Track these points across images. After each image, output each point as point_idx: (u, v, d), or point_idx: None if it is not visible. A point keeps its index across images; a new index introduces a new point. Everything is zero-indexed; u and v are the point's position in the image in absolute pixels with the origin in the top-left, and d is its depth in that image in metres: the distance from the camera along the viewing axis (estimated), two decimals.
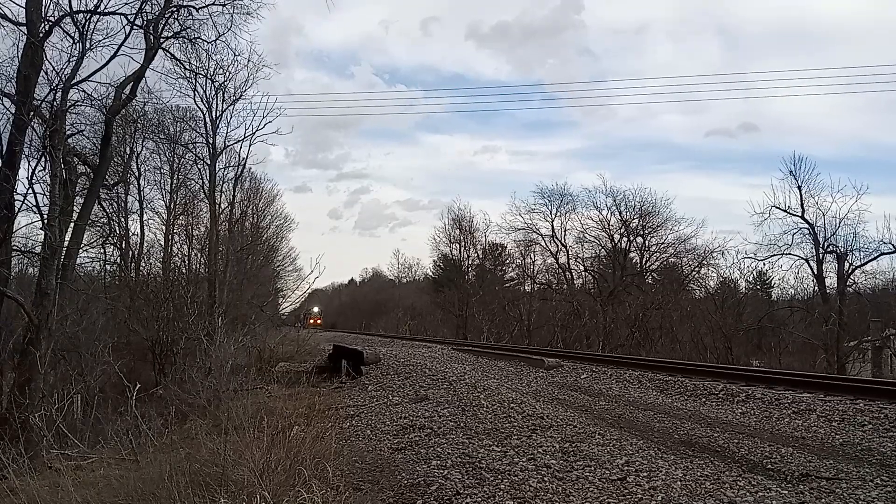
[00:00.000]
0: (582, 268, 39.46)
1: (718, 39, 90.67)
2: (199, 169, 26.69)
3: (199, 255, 28.66)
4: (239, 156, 26.30)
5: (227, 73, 22.88)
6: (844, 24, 77.99)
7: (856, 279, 24.62)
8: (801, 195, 25.64)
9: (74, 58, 14.14)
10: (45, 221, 13.69)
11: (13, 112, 13.66)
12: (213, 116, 24.43)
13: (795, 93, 67.76)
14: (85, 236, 17.65)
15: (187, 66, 18.27)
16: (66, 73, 14.07)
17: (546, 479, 5.06)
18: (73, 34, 14.17)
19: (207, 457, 5.17)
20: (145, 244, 29.15)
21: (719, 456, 5.89)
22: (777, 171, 34.55)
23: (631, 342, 29.77)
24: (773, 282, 30.39)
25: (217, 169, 25.34)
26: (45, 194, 13.94)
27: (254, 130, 24.50)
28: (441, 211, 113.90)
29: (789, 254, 26.08)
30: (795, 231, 25.81)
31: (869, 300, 24.67)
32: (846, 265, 24.55)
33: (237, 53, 24.87)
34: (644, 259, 37.84)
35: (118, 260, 27.85)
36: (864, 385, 9.86)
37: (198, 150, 26.38)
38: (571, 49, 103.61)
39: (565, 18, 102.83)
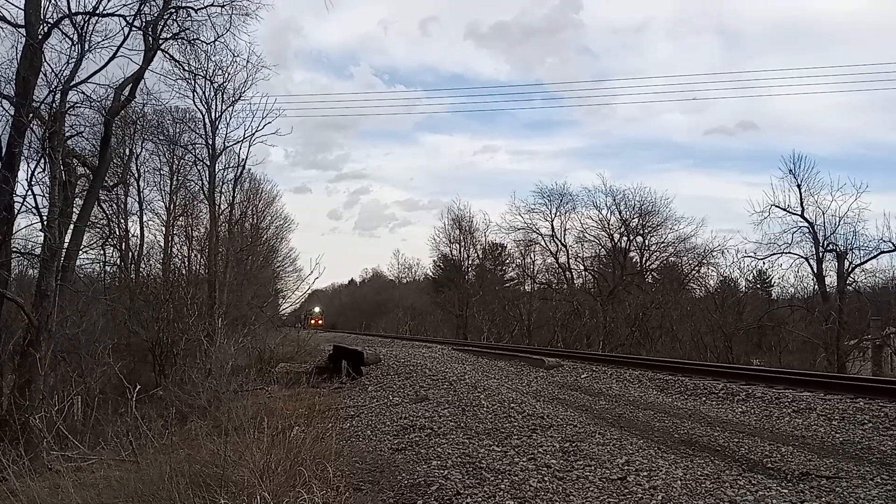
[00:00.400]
0: (582, 267, 39.55)
1: (718, 38, 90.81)
2: (199, 170, 26.75)
3: (198, 256, 28.69)
4: (238, 157, 26.36)
5: (227, 74, 22.89)
6: (844, 22, 78.14)
7: (856, 277, 24.67)
8: (800, 194, 25.70)
9: (73, 59, 14.15)
10: (45, 223, 13.69)
11: (12, 114, 13.65)
12: (213, 117, 24.46)
13: (795, 91, 67.78)
14: (85, 238, 17.66)
15: (186, 68, 18.32)
16: (65, 74, 14.09)
17: (546, 478, 5.06)
18: (71, 36, 14.18)
19: (208, 458, 5.16)
20: (145, 245, 29.20)
21: (719, 455, 5.89)
22: (777, 170, 34.66)
23: (631, 341, 29.77)
24: (772, 281, 30.45)
25: (217, 170, 25.38)
26: (44, 196, 13.96)
27: (253, 131, 24.56)
28: (441, 211, 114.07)
29: (789, 252, 26.14)
30: (795, 230, 25.88)
31: (869, 299, 24.67)
32: (846, 264, 24.57)
33: (236, 54, 24.93)
34: (644, 258, 37.91)
35: (118, 261, 27.88)
36: (864, 384, 9.86)
37: (197, 151, 26.45)
38: (571, 48, 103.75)
39: (564, 18, 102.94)
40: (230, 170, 26.56)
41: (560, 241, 39.07)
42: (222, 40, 17.13)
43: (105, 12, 14.40)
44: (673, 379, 11.50)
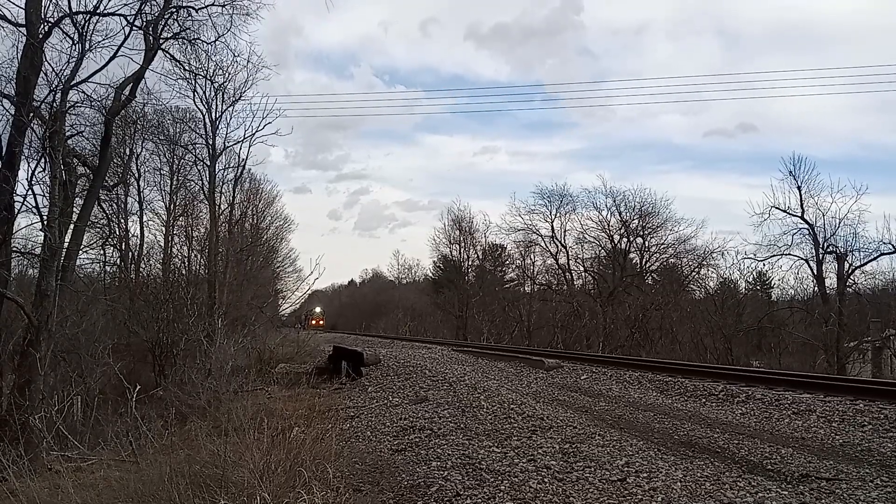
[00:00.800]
0: (582, 268, 39.50)
1: (718, 40, 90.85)
2: (199, 170, 26.77)
3: (198, 256, 28.69)
4: (238, 157, 26.40)
5: (227, 74, 22.89)
6: (844, 24, 78.14)
7: (855, 279, 24.64)
8: (800, 195, 25.66)
9: (74, 59, 14.15)
10: (45, 223, 13.69)
11: (13, 113, 13.67)
12: (213, 117, 24.50)
13: (795, 93, 67.80)
14: (85, 237, 17.65)
15: (187, 67, 18.30)
16: (65, 74, 14.09)
17: (546, 480, 5.06)
18: (72, 35, 14.18)
19: (207, 458, 5.16)
20: (145, 245, 29.19)
21: (719, 457, 5.89)
22: (777, 172, 34.48)
23: (631, 343, 29.77)
24: (772, 282, 30.45)
25: (217, 170, 25.42)
26: (44, 195, 13.96)
27: (253, 131, 24.60)
28: (441, 212, 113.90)
29: (789, 254, 26.10)
30: (795, 231, 25.84)
31: (869, 300, 24.66)
32: (846, 265, 24.55)
33: (237, 54, 25.02)
34: (644, 259, 37.87)
35: (118, 261, 27.87)
36: (864, 386, 9.86)
37: (197, 151, 26.47)
38: (571, 49, 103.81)
39: (564, 19, 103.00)
40: (230, 170, 26.64)
41: (560, 243, 39.10)
42: (223, 40, 17.13)
43: (106, 12, 14.41)
44: (673, 380, 11.49)
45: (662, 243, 37.04)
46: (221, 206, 26.57)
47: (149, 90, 19.22)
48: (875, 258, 24.29)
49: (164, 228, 29.58)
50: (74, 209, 15.49)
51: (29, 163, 14.62)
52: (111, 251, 26.87)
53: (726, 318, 26.86)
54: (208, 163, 25.19)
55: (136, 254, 28.41)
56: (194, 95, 23.82)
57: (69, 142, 14.97)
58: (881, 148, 72.67)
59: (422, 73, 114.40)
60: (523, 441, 6.45)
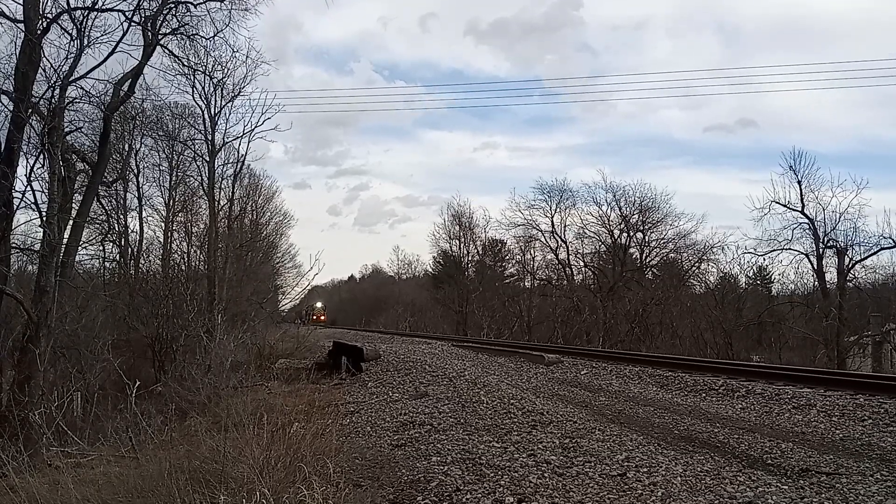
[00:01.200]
0: (582, 263, 39.47)
1: (717, 35, 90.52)
2: (198, 166, 26.75)
3: (198, 251, 28.69)
4: (238, 152, 26.40)
5: (226, 70, 22.89)
6: (844, 19, 77.90)
7: (856, 274, 24.64)
8: (801, 190, 25.63)
9: (72, 55, 14.15)
10: (44, 219, 13.70)
11: (11, 109, 13.65)
12: (212, 113, 24.47)
13: (795, 88, 67.68)
14: (84, 233, 17.69)
15: (186, 63, 18.31)
16: (64, 70, 14.08)
17: (546, 474, 5.06)
18: (70, 31, 14.18)
19: (207, 454, 5.16)
20: (144, 241, 29.20)
21: (719, 451, 5.89)
22: (777, 167, 34.46)
23: (631, 338, 29.76)
24: (773, 277, 30.43)
25: (216, 165, 25.40)
26: (43, 191, 13.97)
27: (253, 127, 24.57)
28: (441, 207, 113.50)
29: (789, 249, 26.09)
30: (795, 226, 25.82)
31: (869, 295, 24.67)
32: (846, 260, 24.54)
33: (236, 50, 24.76)
34: (644, 254, 37.83)
35: (117, 257, 27.85)
36: (865, 380, 9.86)
37: (197, 146, 26.42)
38: (570, 45, 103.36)
39: (564, 15, 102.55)
40: (230, 165, 26.63)
41: (560, 238, 39.06)
42: (222, 36, 17.14)
43: (104, 7, 14.41)
44: (673, 375, 11.49)
45: (662, 238, 37.04)
46: (221, 201, 26.58)
47: (148, 86, 19.30)
48: (875, 253, 24.30)
49: (163, 224, 29.62)
50: (73, 205, 15.50)
51: (28, 159, 14.65)
52: (110, 247, 26.88)
53: (726, 312, 26.86)
54: (207, 158, 25.18)
55: (135, 250, 28.42)
56: (193, 91, 23.81)
57: (68, 138, 14.95)
58: (881, 143, 72.45)
59: (421, 68, 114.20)
60: (523, 436, 6.45)
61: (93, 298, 18.14)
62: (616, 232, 37.28)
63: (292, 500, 4.22)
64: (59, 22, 14.02)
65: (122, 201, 27.42)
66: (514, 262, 47.29)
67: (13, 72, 13.70)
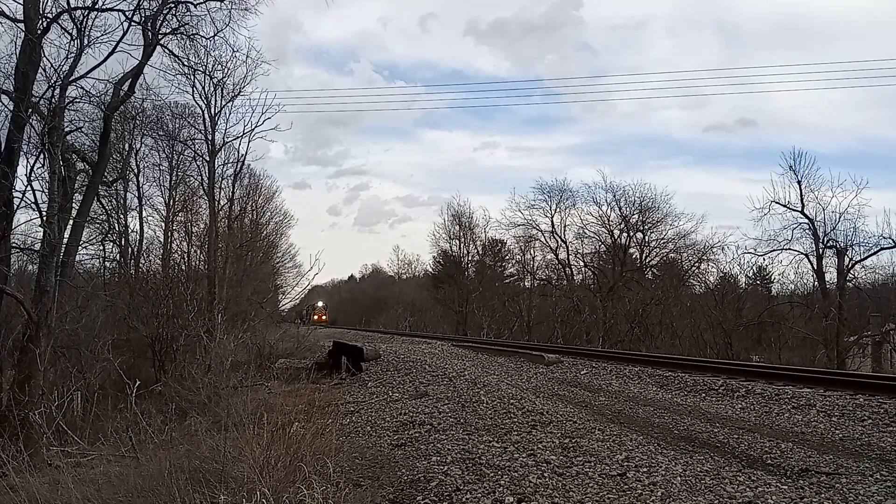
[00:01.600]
0: (582, 263, 39.45)
1: (717, 35, 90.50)
2: (198, 165, 26.72)
3: (198, 251, 28.69)
4: (238, 152, 26.36)
5: (226, 70, 22.89)
6: (844, 19, 77.89)
7: (856, 274, 24.63)
8: (800, 190, 25.61)
9: (72, 54, 14.13)
10: (44, 218, 13.69)
11: (11, 109, 13.64)
12: (212, 113, 24.42)
13: (794, 88, 67.66)
14: (84, 233, 17.65)
15: (186, 63, 18.28)
16: (64, 69, 14.06)
17: (546, 474, 5.06)
18: (70, 31, 14.16)
19: (207, 453, 5.16)
20: (144, 241, 29.16)
21: (719, 451, 5.89)
22: (776, 167, 34.36)
23: (631, 338, 29.75)
24: (772, 277, 30.38)
25: (216, 165, 25.34)
26: (43, 191, 13.95)
27: (253, 127, 24.52)
28: (441, 207, 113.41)
29: (789, 249, 26.07)
30: (795, 226, 25.80)
31: (869, 295, 24.66)
32: (846, 260, 24.53)
33: (236, 50, 24.79)
34: (644, 254, 37.83)
35: (117, 257, 27.83)
36: (864, 380, 9.86)
37: (197, 146, 26.39)
38: (570, 45, 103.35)
39: (564, 14, 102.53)
40: (230, 165, 26.59)
41: (560, 238, 39.06)
42: (222, 35, 17.11)
43: (104, 7, 14.38)
44: (672, 375, 11.50)
45: (662, 238, 37.03)
46: (221, 201, 26.55)
47: (148, 86, 19.25)
48: (875, 253, 24.28)
49: (163, 224, 29.59)
50: (74, 205, 15.48)
51: (28, 159, 14.63)
52: (111, 247, 26.85)
53: (726, 312, 26.85)
54: (207, 158, 25.14)
55: (135, 249, 28.40)
56: (193, 91, 23.77)
57: (68, 137, 14.94)
58: (881, 143, 72.42)
59: (421, 68, 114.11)
60: (523, 436, 6.45)
61: (93, 298, 18.13)
62: (616, 232, 37.31)
63: (292, 499, 4.23)
64: (60, 22, 14.02)
65: (122, 201, 27.43)
66: (513, 262, 47.35)
67: (13, 71, 13.69)
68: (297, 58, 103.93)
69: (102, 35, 14.64)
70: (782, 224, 26.16)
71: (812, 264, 25.58)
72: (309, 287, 28.38)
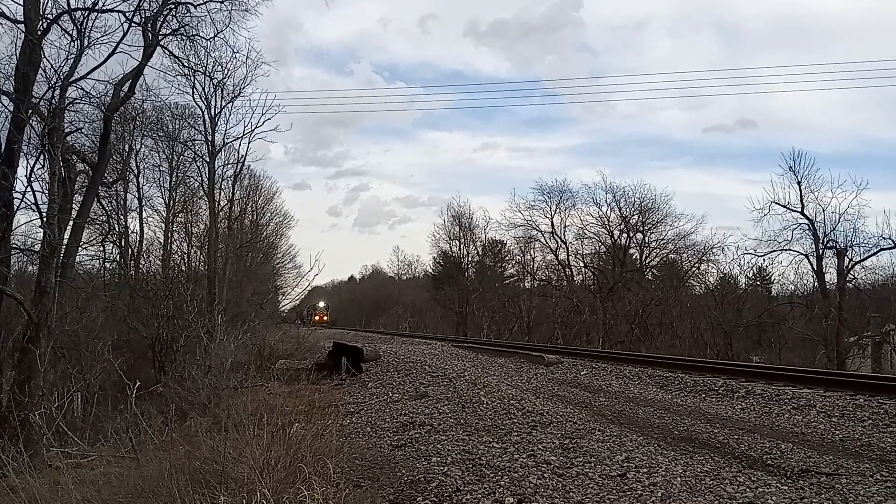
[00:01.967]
0: (582, 264, 39.44)
1: (717, 35, 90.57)
2: (199, 166, 26.74)
3: (198, 252, 28.66)
4: (238, 153, 26.41)
5: (226, 71, 22.93)
6: (844, 19, 77.93)
7: (855, 275, 24.60)
8: (800, 191, 25.57)
9: (73, 55, 14.13)
10: (45, 219, 13.69)
11: (11, 110, 13.65)
12: (212, 114, 24.47)
13: (794, 88, 67.66)
14: (84, 234, 17.68)
15: (186, 64, 18.28)
16: (64, 70, 14.07)
17: (546, 475, 5.06)
18: (71, 32, 14.16)
19: (207, 454, 5.16)
20: (145, 242, 29.13)
21: (719, 452, 5.90)
22: (776, 167, 34.47)
23: (631, 338, 29.75)
24: (772, 277, 30.37)
25: (216, 166, 25.39)
26: (43, 192, 13.95)
27: (253, 128, 24.57)
28: (441, 208, 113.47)
29: (789, 249, 26.05)
30: (795, 227, 25.77)
31: (869, 296, 24.64)
32: (846, 261, 24.51)
33: (236, 50, 24.91)
34: (644, 255, 37.82)
35: (117, 258, 27.83)
36: (864, 381, 9.86)
37: (197, 147, 26.43)
38: (570, 46, 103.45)
39: (564, 15, 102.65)
40: (230, 166, 26.62)
41: (560, 238, 39.04)
42: (222, 36, 17.13)
43: (104, 8, 14.40)
44: (672, 376, 11.50)
45: (662, 239, 37.02)
46: (221, 202, 26.58)
47: (148, 86, 19.23)
48: (875, 253, 24.24)
49: (163, 225, 29.56)
50: (74, 206, 15.49)
51: (28, 159, 14.63)
52: (111, 248, 26.86)
53: (726, 313, 26.84)
54: (208, 159, 25.19)
55: (135, 250, 28.37)
56: (193, 92, 23.82)
57: (68, 138, 14.95)
58: (881, 143, 72.44)
59: (421, 69, 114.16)
60: (523, 436, 6.45)
61: (93, 299, 18.14)
62: (616, 232, 37.29)
63: (292, 500, 4.22)
64: (60, 22, 14.02)
65: (122, 202, 27.40)
66: (513, 262, 47.31)
67: (13, 72, 13.70)
68: (298, 58, 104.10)
69: (102, 36, 14.68)
70: (782, 225, 26.16)
71: (812, 265, 25.58)
72: (309, 288, 28.36)
